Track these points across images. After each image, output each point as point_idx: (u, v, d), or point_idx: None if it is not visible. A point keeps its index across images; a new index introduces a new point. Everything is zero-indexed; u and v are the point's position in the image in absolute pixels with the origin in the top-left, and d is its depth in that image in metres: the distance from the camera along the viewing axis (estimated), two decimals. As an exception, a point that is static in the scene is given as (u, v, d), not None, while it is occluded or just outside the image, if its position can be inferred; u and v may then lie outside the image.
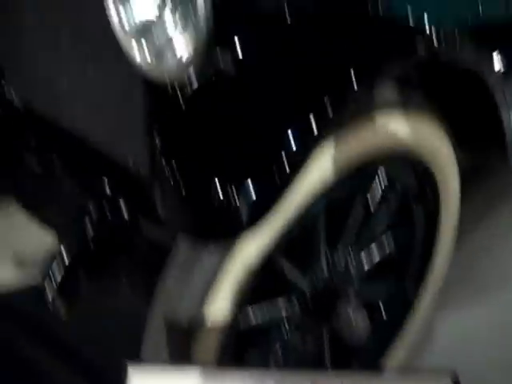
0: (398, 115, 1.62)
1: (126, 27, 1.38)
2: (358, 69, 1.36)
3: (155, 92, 1.42)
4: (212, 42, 1.34)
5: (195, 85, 1.37)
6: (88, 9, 1.51)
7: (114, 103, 1.56)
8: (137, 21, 1.38)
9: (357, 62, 1.40)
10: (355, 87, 1.36)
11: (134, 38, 1.38)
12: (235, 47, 1.38)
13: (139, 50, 1.38)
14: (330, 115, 1.32)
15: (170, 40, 1.37)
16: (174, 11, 1.37)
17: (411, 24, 1.51)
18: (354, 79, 1.35)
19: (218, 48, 1.36)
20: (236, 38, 1.37)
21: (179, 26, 1.36)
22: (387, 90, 1.60)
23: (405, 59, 1.53)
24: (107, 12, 1.38)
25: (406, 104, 1.64)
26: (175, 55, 1.36)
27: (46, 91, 1.72)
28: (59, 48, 1.63)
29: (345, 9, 1.48)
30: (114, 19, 1.38)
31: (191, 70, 1.36)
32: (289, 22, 1.43)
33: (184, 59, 1.35)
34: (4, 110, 1.83)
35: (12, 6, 1.70)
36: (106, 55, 1.51)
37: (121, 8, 1.38)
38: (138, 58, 1.38)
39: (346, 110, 1.43)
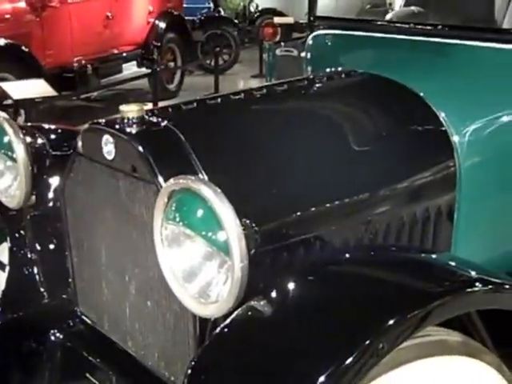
0: None
1: (174, 271, 1.54)
2: None
3: (202, 323, 1.60)
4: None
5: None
6: (147, 255, 1.71)
7: (166, 329, 1.75)
8: (183, 266, 1.53)
9: None
10: None
11: (180, 280, 1.53)
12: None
13: (186, 290, 1.53)
14: None
15: (212, 282, 1.51)
16: (215, 260, 1.50)
17: None
18: None
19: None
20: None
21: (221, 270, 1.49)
22: None
23: None
24: (158, 256, 1.56)
25: None
26: (217, 296, 1.49)
27: (112, 313, 1.98)
28: (124, 279, 1.87)
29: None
30: (164, 264, 1.54)
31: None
32: None
33: (225, 301, 1.46)
34: (77, 328, 2.09)
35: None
36: (161, 293, 1.72)
37: (170, 254, 1.55)
38: (184, 298, 1.54)
39: None
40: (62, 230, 2.08)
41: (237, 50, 11.31)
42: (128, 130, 1.74)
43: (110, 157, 1.78)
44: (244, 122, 1.93)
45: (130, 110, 1.76)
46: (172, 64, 9.16)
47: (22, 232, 2.18)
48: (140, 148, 1.69)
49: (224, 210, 1.41)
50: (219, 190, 1.43)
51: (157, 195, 1.60)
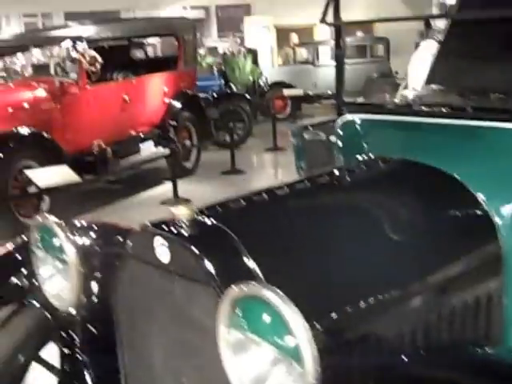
0: None
1: (242, 379, 1.54)
2: None
3: None
4: None
5: None
6: (208, 358, 1.68)
7: None
8: (251, 373, 1.53)
9: None
10: None
11: None
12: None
13: None
14: None
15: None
16: (284, 366, 1.48)
17: None
18: None
19: None
20: None
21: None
22: None
23: None
24: (224, 362, 1.55)
25: None
26: None
27: None
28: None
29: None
30: (231, 371, 1.55)
31: None
32: None
33: None
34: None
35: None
36: None
37: (236, 361, 1.54)
38: None
39: None
40: (112, 331, 2.09)
41: (250, 125, 11.50)
42: (181, 232, 1.78)
43: (164, 259, 1.81)
44: (292, 218, 1.95)
45: (182, 212, 1.80)
46: (188, 142, 9.31)
47: (71, 333, 2.19)
48: (196, 251, 1.72)
49: (292, 315, 1.42)
50: (284, 295, 1.45)
51: (215, 298, 1.61)
